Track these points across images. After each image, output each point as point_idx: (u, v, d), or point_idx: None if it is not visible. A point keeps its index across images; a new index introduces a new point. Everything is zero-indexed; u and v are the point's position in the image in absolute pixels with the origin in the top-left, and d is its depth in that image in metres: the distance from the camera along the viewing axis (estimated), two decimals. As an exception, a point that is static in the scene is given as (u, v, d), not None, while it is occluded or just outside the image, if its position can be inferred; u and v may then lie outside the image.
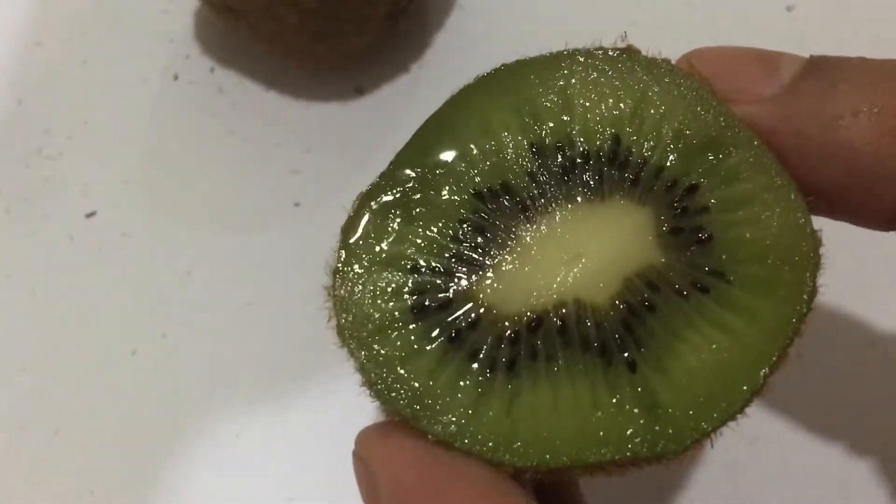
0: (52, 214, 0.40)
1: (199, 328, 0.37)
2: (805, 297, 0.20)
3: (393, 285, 0.22)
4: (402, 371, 0.21)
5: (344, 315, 0.22)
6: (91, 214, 0.40)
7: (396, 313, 0.22)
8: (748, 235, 0.21)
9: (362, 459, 0.22)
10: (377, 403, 0.21)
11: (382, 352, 0.21)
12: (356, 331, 0.21)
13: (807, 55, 0.24)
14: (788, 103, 0.23)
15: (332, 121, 0.41)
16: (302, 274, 0.38)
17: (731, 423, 0.20)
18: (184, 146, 0.41)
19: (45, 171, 0.41)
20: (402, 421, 0.21)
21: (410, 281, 0.22)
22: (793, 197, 0.21)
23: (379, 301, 0.22)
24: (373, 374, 0.21)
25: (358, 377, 0.22)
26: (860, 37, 0.41)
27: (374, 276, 0.22)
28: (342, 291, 0.22)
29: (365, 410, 0.27)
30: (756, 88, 0.23)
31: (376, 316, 0.22)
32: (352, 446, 0.34)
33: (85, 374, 0.36)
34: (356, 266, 0.22)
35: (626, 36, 0.24)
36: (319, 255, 0.37)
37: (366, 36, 0.39)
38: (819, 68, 0.23)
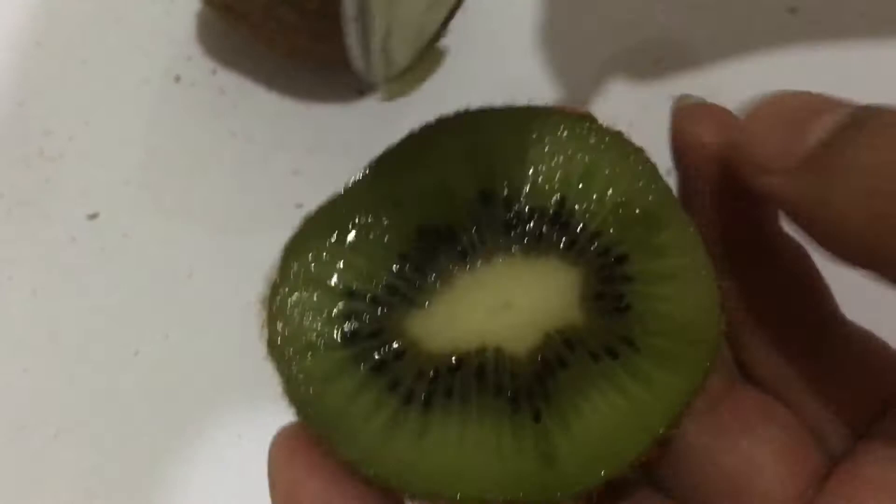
0: (53, 216, 0.40)
1: (201, 329, 0.37)
2: (700, 375, 0.21)
3: (327, 307, 0.22)
4: (323, 391, 0.22)
5: (274, 329, 0.22)
6: (93, 216, 0.40)
7: (326, 335, 0.22)
8: (662, 310, 0.22)
9: (268, 471, 0.22)
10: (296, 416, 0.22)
11: (307, 370, 0.22)
12: (285, 346, 0.22)
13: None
14: (803, 181, 0.20)
15: (333, 122, 0.41)
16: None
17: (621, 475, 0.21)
18: (185, 147, 0.41)
19: (47, 173, 0.41)
20: (316, 438, 0.21)
21: (345, 305, 0.22)
22: (708, 282, 0.22)
23: (311, 321, 0.22)
24: (295, 391, 0.22)
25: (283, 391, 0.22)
26: (862, 38, 0.41)
27: (311, 295, 0.23)
28: (276, 306, 0.23)
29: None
30: (770, 160, 0.21)
31: (307, 335, 0.22)
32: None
33: (86, 375, 0.36)
34: (294, 283, 0.23)
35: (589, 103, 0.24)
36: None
37: (367, 37, 0.39)
38: (861, 126, 0.20)
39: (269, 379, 0.35)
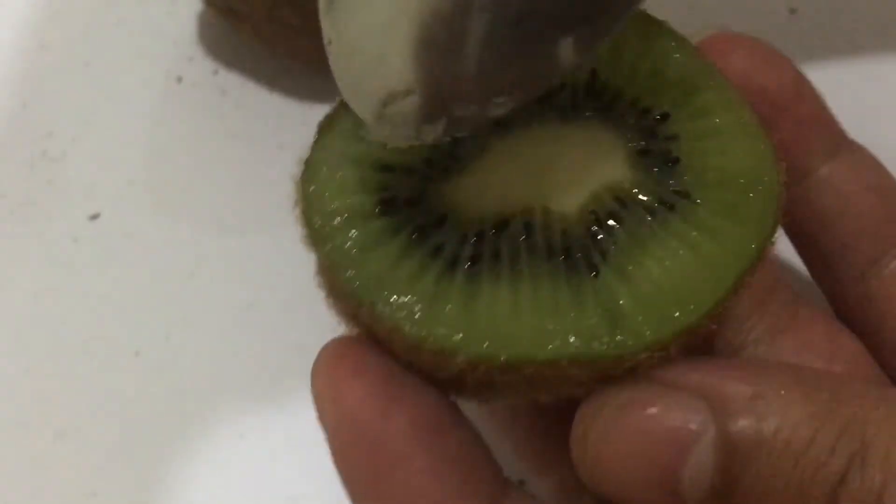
0: (55, 216, 0.40)
1: (203, 329, 0.37)
2: (768, 223, 0.21)
3: (364, 179, 0.22)
4: (364, 259, 0.21)
5: (310, 203, 0.22)
6: (95, 216, 0.40)
7: (364, 205, 0.22)
8: (714, 163, 0.22)
9: (312, 382, 0.22)
10: (336, 300, 0.22)
11: (347, 241, 0.21)
12: (322, 219, 0.22)
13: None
14: None
15: (335, 123, 0.41)
16: (305, 276, 0.38)
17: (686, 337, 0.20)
18: (187, 148, 0.41)
19: (49, 174, 0.41)
20: (356, 321, 0.21)
21: (380, 177, 0.22)
22: (758, 135, 0.22)
23: (348, 192, 0.22)
24: (335, 262, 0.21)
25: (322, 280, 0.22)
26: (863, 40, 0.41)
27: (347, 168, 0.22)
28: (311, 180, 0.22)
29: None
30: None
31: (344, 205, 0.22)
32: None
33: (88, 375, 0.36)
34: (330, 157, 0.23)
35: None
36: (323, 257, 0.38)
37: (369, 38, 0.39)
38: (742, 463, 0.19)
39: (270, 380, 0.36)
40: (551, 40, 0.20)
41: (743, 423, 0.19)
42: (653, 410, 0.20)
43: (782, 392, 0.19)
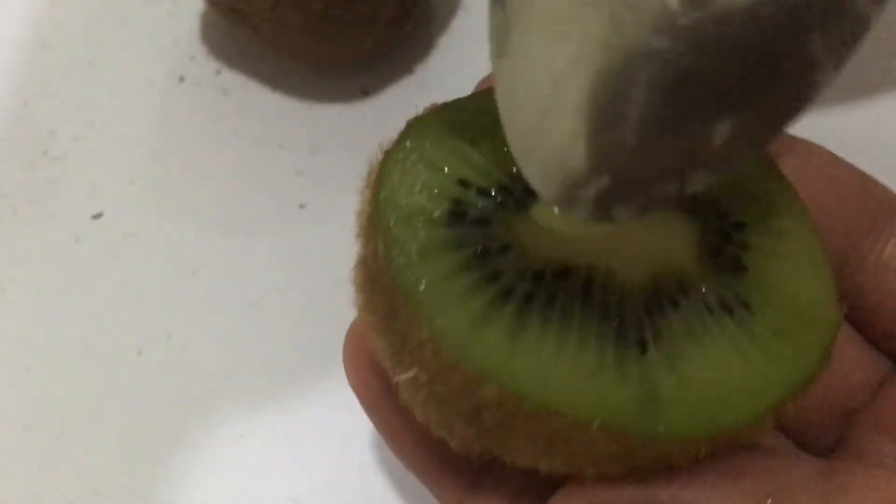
0: (57, 216, 0.40)
1: (205, 329, 0.37)
2: (819, 357, 0.21)
3: (438, 187, 0.22)
4: (422, 262, 0.20)
5: (381, 195, 0.21)
6: (97, 216, 0.40)
7: (433, 212, 0.21)
8: (780, 285, 0.22)
9: (343, 351, 0.27)
10: (375, 295, 0.21)
11: (409, 239, 0.21)
12: (389, 213, 0.21)
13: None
14: None
15: (337, 122, 0.41)
16: (307, 275, 0.38)
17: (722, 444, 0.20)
18: (189, 147, 0.41)
19: (51, 173, 0.41)
20: (387, 323, 0.21)
21: (455, 190, 0.22)
22: (825, 270, 0.22)
23: (423, 193, 0.21)
24: (394, 256, 0.20)
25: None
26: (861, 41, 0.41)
27: (426, 171, 0.22)
28: (387, 175, 0.22)
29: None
30: None
31: (414, 206, 0.21)
32: (356, 449, 0.34)
33: (90, 374, 0.36)
34: (411, 155, 0.22)
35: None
36: (324, 256, 0.38)
37: (371, 38, 0.40)
38: None
39: (272, 380, 0.36)
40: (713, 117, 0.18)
41: None
42: None
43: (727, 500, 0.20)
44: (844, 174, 0.26)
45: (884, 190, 0.27)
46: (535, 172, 0.21)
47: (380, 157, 0.22)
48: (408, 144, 0.22)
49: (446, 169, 0.22)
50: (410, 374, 0.21)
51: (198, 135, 0.42)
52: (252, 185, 0.40)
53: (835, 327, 0.21)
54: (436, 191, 0.22)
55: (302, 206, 0.40)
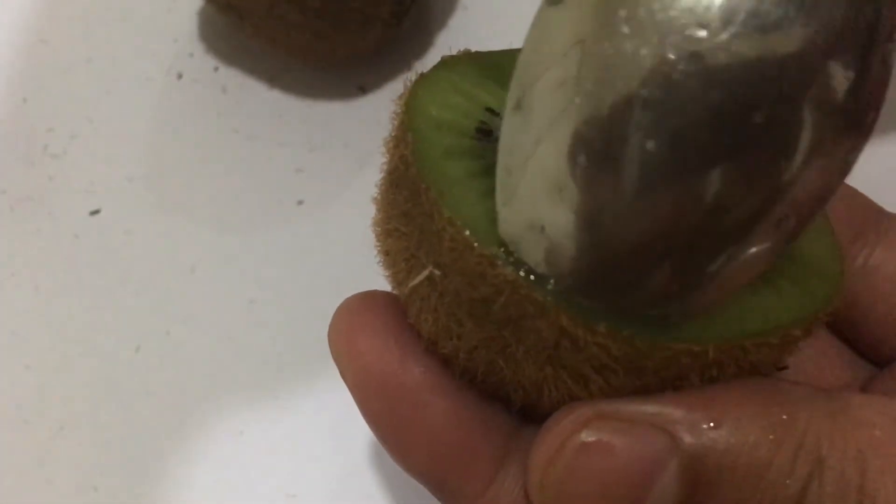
0: (56, 212, 0.40)
1: (203, 325, 0.37)
2: (823, 301, 0.21)
3: (466, 109, 0.22)
4: (445, 159, 0.21)
5: (412, 108, 0.22)
6: (95, 212, 0.40)
7: (460, 124, 0.22)
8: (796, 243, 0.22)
9: (332, 351, 0.23)
10: (400, 189, 0.22)
11: (436, 142, 0.21)
12: (420, 121, 0.22)
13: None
14: None
15: (335, 119, 0.41)
16: (305, 272, 0.38)
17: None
18: (187, 144, 0.41)
19: (50, 170, 0.41)
20: (407, 217, 0.21)
21: (482, 114, 0.22)
22: (833, 237, 0.23)
23: (450, 111, 0.22)
24: (421, 153, 0.21)
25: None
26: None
27: (454, 96, 0.23)
28: (420, 93, 0.22)
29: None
30: None
31: (443, 118, 0.22)
32: (354, 445, 0.34)
33: (89, 370, 0.37)
34: (442, 84, 0.23)
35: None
36: (323, 253, 0.38)
37: (369, 35, 0.40)
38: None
39: (269, 376, 0.36)
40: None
41: (703, 452, 0.19)
42: (614, 451, 0.20)
43: (738, 415, 0.19)
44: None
45: (867, 200, 0.27)
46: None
47: (415, 77, 0.23)
48: (442, 73, 0.23)
49: (474, 98, 0.23)
50: (425, 273, 0.21)
51: (196, 132, 0.42)
52: (250, 181, 0.40)
53: (840, 279, 0.22)
54: (464, 111, 0.22)
55: (300, 202, 0.40)
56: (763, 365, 0.21)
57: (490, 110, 0.23)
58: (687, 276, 0.18)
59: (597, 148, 0.17)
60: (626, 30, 0.16)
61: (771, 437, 0.19)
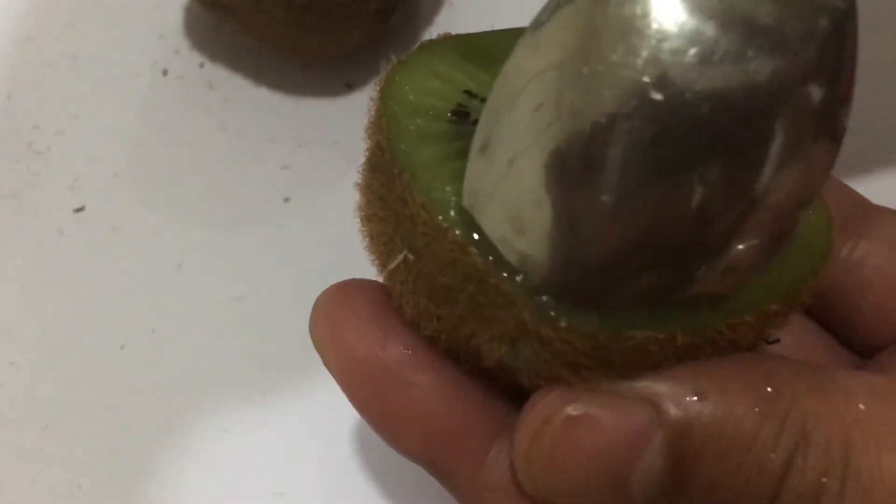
0: (41, 209, 0.40)
1: (189, 323, 0.37)
2: (804, 277, 0.21)
3: (444, 92, 0.22)
4: (419, 142, 0.21)
5: (389, 93, 0.22)
6: (80, 209, 0.40)
7: (437, 108, 0.22)
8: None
9: (313, 339, 0.23)
10: (376, 172, 0.22)
11: (411, 123, 0.22)
12: (397, 103, 0.22)
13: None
14: None
15: (322, 116, 0.41)
16: (292, 269, 0.38)
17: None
18: (174, 141, 0.41)
19: (35, 166, 0.41)
20: (383, 202, 0.21)
21: (460, 97, 0.22)
22: (826, 213, 0.23)
23: (427, 95, 0.22)
24: (395, 137, 0.21)
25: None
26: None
27: (433, 79, 0.23)
28: (399, 76, 0.23)
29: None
30: None
31: (419, 102, 0.22)
32: (341, 443, 0.34)
33: (74, 368, 0.36)
34: (421, 68, 0.23)
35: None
36: (310, 250, 0.38)
37: (356, 32, 0.40)
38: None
39: (256, 374, 0.36)
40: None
41: (689, 425, 0.19)
42: (600, 424, 0.20)
43: (724, 388, 0.19)
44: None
45: (853, 193, 0.27)
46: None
47: (393, 63, 0.23)
48: (421, 57, 0.23)
49: (453, 81, 0.23)
50: (401, 257, 0.21)
51: (182, 128, 0.42)
52: (237, 178, 0.40)
53: (825, 257, 0.22)
54: (441, 95, 0.22)
55: (287, 199, 0.40)
56: (745, 341, 0.21)
57: (468, 93, 0.23)
58: (669, 282, 0.19)
59: (577, 163, 0.17)
60: (606, 58, 0.17)
61: (756, 410, 0.19)
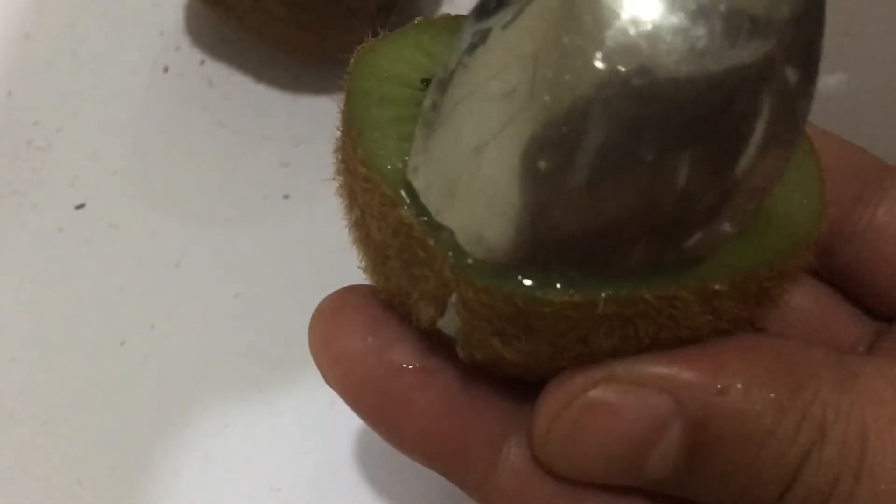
0: (41, 206, 0.40)
1: (188, 319, 0.37)
2: (804, 247, 0.21)
3: (424, 62, 0.22)
4: (378, 105, 0.21)
5: (367, 55, 0.22)
6: (80, 206, 0.40)
7: (409, 76, 0.22)
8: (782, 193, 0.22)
9: (312, 353, 0.23)
10: (344, 137, 0.22)
11: (372, 88, 0.22)
12: (366, 65, 0.22)
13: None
14: None
15: (321, 114, 0.41)
16: (291, 266, 0.38)
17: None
18: (173, 138, 0.41)
19: (35, 163, 0.41)
20: (348, 162, 0.21)
21: (428, 71, 0.22)
22: (821, 196, 0.22)
23: (403, 63, 0.22)
24: (354, 94, 0.22)
25: None
26: (848, 53, 0.41)
27: (414, 51, 0.23)
28: (380, 44, 0.23)
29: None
30: None
31: (391, 68, 0.22)
32: (338, 439, 0.34)
33: (73, 364, 0.36)
34: (407, 38, 0.23)
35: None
36: (308, 247, 0.38)
37: (355, 29, 0.40)
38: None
39: (254, 370, 0.36)
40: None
41: (707, 417, 0.19)
42: (620, 411, 0.20)
43: (747, 381, 0.19)
44: (830, 145, 0.26)
45: (870, 156, 0.27)
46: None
47: (360, 51, 0.23)
48: (410, 32, 0.23)
49: (438, 56, 0.23)
50: (357, 211, 0.21)
51: (181, 125, 0.42)
52: (236, 176, 0.40)
53: (810, 237, 0.21)
54: (419, 66, 0.22)
55: (286, 197, 0.40)
56: (701, 322, 0.20)
57: (433, 73, 0.23)
58: (654, 253, 0.19)
59: (553, 147, 0.18)
60: (578, 42, 0.17)
61: (777, 404, 0.19)
